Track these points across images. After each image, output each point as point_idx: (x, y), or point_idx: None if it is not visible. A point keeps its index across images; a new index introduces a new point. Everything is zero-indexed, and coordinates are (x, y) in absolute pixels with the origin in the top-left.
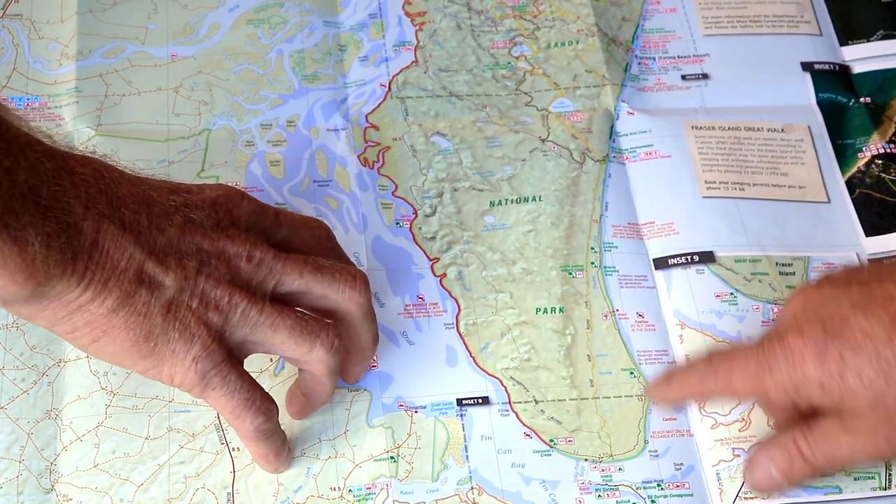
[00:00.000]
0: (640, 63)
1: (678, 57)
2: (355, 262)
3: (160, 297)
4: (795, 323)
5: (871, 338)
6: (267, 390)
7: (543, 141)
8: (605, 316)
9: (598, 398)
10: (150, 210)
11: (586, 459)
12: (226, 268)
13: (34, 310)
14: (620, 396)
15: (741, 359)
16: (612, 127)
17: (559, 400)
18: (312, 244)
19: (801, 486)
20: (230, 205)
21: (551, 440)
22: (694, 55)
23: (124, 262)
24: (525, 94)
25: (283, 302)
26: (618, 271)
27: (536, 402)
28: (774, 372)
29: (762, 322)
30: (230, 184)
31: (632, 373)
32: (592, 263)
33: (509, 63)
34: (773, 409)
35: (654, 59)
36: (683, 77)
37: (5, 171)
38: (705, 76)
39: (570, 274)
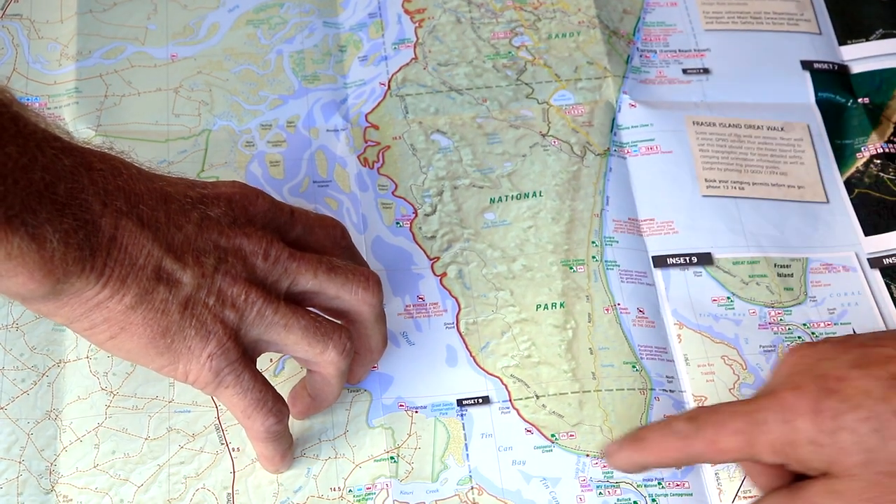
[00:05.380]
0: (641, 55)
1: (679, 51)
2: None
3: (178, 294)
4: (790, 379)
5: (867, 395)
6: None
7: (544, 136)
8: (607, 310)
9: (600, 391)
10: (167, 207)
11: (588, 455)
12: (242, 265)
13: (53, 307)
14: (623, 389)
15: (729, 415)
16: (613, 120)
17: (561, 394)
18: (327, 243)
19: None
20: (246, 202)
21: (552, 435)
22: (695, 49)
23: (142, 258)
24: (526, 84)
25: (295, 301)
26: (619, 266)
27: (538, 397)
28: (766, 429)
29: (759, 325)
30: None
31: (634, 366)
32: (594, 257)
33: (510, 52)
34: (760, 474)
35: (656, 52)
36: (684, 71)
37: (22, 168)
38: (706, 71)
39: (571, 268)
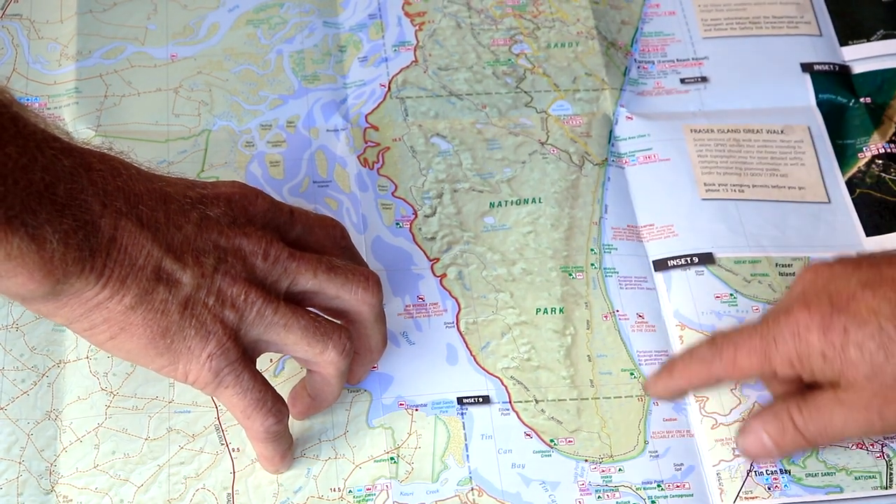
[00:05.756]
0: (639, 67)
1: (677, 60)
2: None
3: (178, 294)
4: (803, 297)
5: (875, 314)
6: None
7: (543, 144)
8: (605, 317)
9: (598, 398)
10: (167, 207)
11: (586, 460)
12: (242, 265)
13: (52, 307)
14: (620, 397)
15: (746, 336)
16: (610, 131)
17: (559, 400)
18: (326, 243)
19: (790, 455)
20: (245, 202)
21: (552, 440)
22: (693, 58)
23: (142, 259)
24: (525, 92)
25: (295, 301)
26: (617, 273)
27: (537, 401)
28: (780, 345)
29: None
30: None
31: (632, 373)
32: (592, 265)
33: (510, 60)
34: (776, 384)
35: (653, 63)
36: (682, 80)
37: (22, 168)
38: (704, 79)
39: (570, 275)
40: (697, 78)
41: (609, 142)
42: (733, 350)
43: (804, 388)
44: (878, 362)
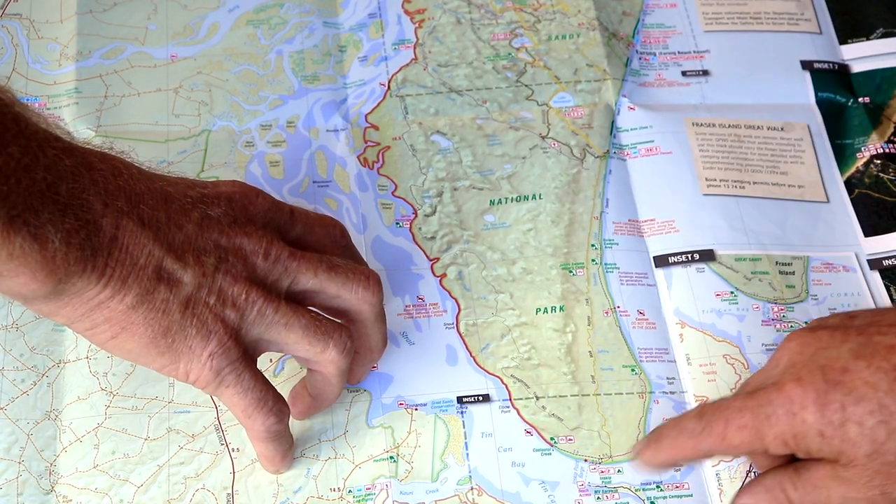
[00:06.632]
0: (640, 58)
1: (678, 53)
2: None
3: (178, 294)
4: (793, 370)
5: (873, 388)
6: None
7: (543, 138)
8: (607, 313)
9: (599, 395)
10: (168, 206)
11: (586, 460)
12: (243, 265)
13: (54, 307)
14: (622, 393)
15: (735, 410)
16: (612, 122)
17: (560, 396)
18: (326, 242)
19: None
20: (245, 201)
21: (552, 438)
22: (694, 51)
23: (143, 258)
24: (526, 86)
25: (295, 301)
26: (618, 268)
27: (537, 398)
28: (774, 423)
29: (762, 321)
30: None
31: (633, 370)
32: (593, 260)
33: (510, 54)
34: (763, 458)
35: (655, 55)
36: (684, 73)
37: (24, 168)
38: (705, 73)
39: (571, 272)
40: (699, 71)
41: (611, 133)
42: (723, 426)
43: (793, 458)
44: (880, 439)
